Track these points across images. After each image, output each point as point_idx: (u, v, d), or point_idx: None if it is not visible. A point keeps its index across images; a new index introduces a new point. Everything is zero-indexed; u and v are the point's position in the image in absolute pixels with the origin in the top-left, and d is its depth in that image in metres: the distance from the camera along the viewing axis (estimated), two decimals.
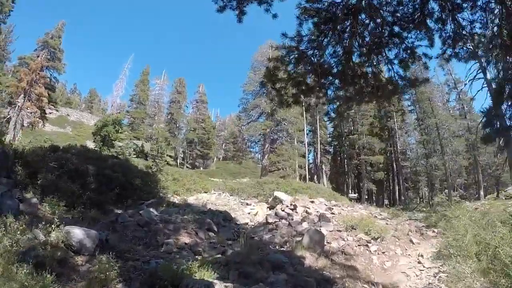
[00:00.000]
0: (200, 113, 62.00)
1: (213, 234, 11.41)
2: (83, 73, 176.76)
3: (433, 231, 12.71)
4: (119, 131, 34.79)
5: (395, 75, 8.23)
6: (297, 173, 43.79)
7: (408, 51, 7.86)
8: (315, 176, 50.56)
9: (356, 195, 45.71)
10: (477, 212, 13.28)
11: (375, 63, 8.24)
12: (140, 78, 57.94)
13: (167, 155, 58.53)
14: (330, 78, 8.55)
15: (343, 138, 47.60)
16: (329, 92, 9.27)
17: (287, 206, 15.37)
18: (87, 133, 50.74)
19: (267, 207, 18.20)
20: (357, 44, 7.98)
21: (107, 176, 14.31)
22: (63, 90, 75.38)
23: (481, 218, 10.64)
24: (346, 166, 47.00)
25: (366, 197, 50.11)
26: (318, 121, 50.29)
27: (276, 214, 14.30)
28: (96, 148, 27.98)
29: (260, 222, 14.24)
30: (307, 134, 51.76)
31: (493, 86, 18.38)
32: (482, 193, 37.80)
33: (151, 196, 15.76)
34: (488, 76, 20.63)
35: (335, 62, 8.25)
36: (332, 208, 15.61)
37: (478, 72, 21.94)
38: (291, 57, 7.87)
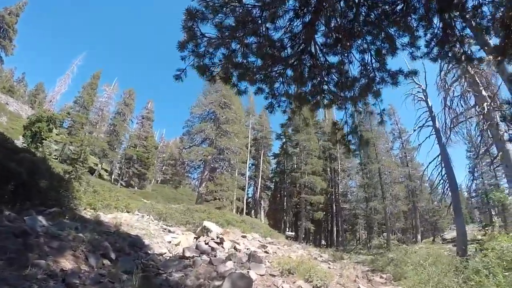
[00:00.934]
0: (144, 130, 58.11)
1: (108, 262, 8.20)
2: (34, 65, 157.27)
3: (381, 277, 11.18)
4: (53, 130, 30.59)
5: (371, 65, 6.11)
6: (234, 205, 41.38)
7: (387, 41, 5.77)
8: (253, 211, 48.47)
9: (293, 233, 43.91)
10: (421, 255, 12.14)
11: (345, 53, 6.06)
12: (89, 81, 53.09)
13: (102, 168, 54.36)
14: (280, 65, 6.15)
15: (285, 175, 46.15)
16: (277, 85, 6.73)
17: (213, 239, 12.59)
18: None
19: (194, 238, 15.24)
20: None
21: (7, 169, 10.93)
22: (9, 76, 68.34)
23: (426, 259, 10.23)
24: (285, 203, 45.30)
25: (304, 236, 48.62)
26: (262, 155, 48.80)
27: (197, 247, 11.26)
28: (24, 145, 24.11)
29: (176, 255, 11.02)
30: (249, 167, 49.92)
31: (442, 130, 19.44)
32: (419, 237, 38.81)
33: (57, 204, 12.36)
34: (437, 124, 20.37)
35: (290, 42, 5.82)
36: (267, 246, 13.25)
37: (428, 120, 21.78)
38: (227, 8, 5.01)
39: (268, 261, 10.36)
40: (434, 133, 20.65)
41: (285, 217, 45.63)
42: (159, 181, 65.81)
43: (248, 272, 8.49)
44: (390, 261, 12.11)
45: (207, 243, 11.85)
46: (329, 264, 12.45)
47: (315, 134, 47.61)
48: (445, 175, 19.46)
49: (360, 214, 44.35)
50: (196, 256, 10.15)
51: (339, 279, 9.89)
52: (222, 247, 11.82)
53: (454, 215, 18.82)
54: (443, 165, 19.92)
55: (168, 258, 10.59)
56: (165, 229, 15.74)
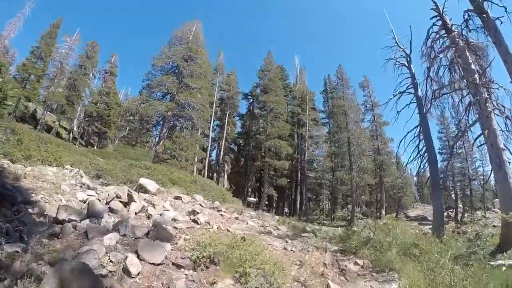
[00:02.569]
0: (107, 85, 52.63)
1: None
2: None
3: (356, 263, 7.46)
4: None
5: None
6: (194, 167, 37.72)
7: None
8: (215, 174, 44.92)
9: (255, 199, 40.91)
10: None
11: None
12: (48, 29, 46.57)
13: (61, 126, 49.20)
14: None
15: (250, 138, 42.71)
16: None
17: (118, 198, 8.41)
18: None
19: (116, 197, 11.42)
20: None
21: None
22: None
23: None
24: (248, 167, 41.92)
25: (267, 203, 45.71)
26: (227, 116, 44.93)
27: (90, 207, 6.84)
28: None
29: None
30: (213, 128, 46.05)
31: (422, 102, 17.09)
32: (383, 212, 37.45)
33: None
34: (419, 92, 17.79)
35: None
36: (198, 213, 9.10)
37: (409, 87, 18.72)
38: None
39: (185, 238, 6.33)
40: (415, 101, 18.01)
41: (248, 182, 42.35)
42: (123, 142, 60.81)
43: (126, 258, 4.41)
44: (366, 241, 8.69)
45: (108, 203, 7.89)
46: (287, 242, 8.64)
47: (285, 97, 44.07)
48: (424, 147, 16.69)
49: (325, 184, 41.84)
50: (74, 220, 6.10)
51: (298, 272, 6.11)
52: (128, 210, 7.86)
53: (432, 190, 16.69)
54: (422, 136, 17.19)
55: (39, 221, 6.52)
56: (84, 184, 11.70)
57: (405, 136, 18.29)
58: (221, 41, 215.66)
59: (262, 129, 38.08)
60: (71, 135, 49.22)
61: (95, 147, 49.49)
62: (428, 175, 16.83)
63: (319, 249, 8.29)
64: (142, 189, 11.95)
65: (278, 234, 10.03)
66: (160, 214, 7.83)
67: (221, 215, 10.67)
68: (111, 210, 7.36)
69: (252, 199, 40.15)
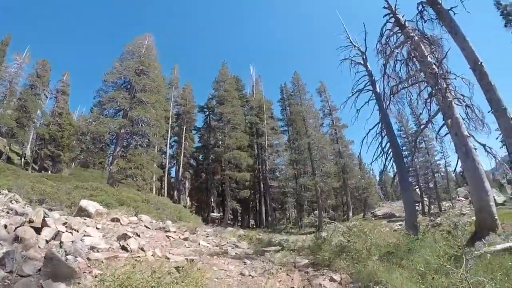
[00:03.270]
0: (59, 106, 49.46)
1: None
2: None
3: (332, 279, 5.96)
4: None
5: None
6: (153, 186, 35.94)
7: None
8: (175, 192, 43.12)
9: (219, 214, 39.50)
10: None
11: None
12: None
13: (11, 150, 45.87)
14: None
15: (208, 151, 41.28)
16: None
17: (31, 222, 6.70)
18: None
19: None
20: None
21: None
22: None
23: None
24: (209, 182, 40.44)
25: (232, 216, 44.31)
26: (184, 131, 43.32)
27: None
28: None
29: None
30: (171, 145, 44.33)
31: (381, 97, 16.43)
32: (350, 214, 37.79)
33: None
34: (377, 89, 17.07)
35: None
36: (129, 237, 7.15)
37: (367, 84, 18.13)
38: None
39: (96, 273, 4.60)
40: (374, 97, 17.22)
41: (209, 197, 40.84)
42: (79, 165, 57.18)
43: None
44: (340, 249, 7.51)
45: (16, 229, 6.43)
46: (245, 263, 7.29)
47: (242, 107, 42.96)
48: (387, 144, 16.06)
49: (289, 192, 40.65)
50: None
51: None
52: (37, 238, 6.44)
53: (400, 187, 15.96)
54: (384, 133, 16.45)
55: None
56: (11, 210, 10.13)
57: (367, 134, 17.44)
58: (175, 54, 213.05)
59: (220, 142, 36.69)
60: (22, 160, 46.02)
61: (49, 172, 46.35)
62: (393, 172, 16.22)
63: (285, 267, 6.90)
64: (83, 212, 10.46)
65: (236, 253, 8.63)
66: (72, 242, 6.35)
67: (168, 236, 9.14)
68: (17, 239, 5.85)
69: (215, 214, 38.63)
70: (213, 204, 44.04)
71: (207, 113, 44.81)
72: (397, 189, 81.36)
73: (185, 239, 9.35)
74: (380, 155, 16.46)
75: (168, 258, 6.65)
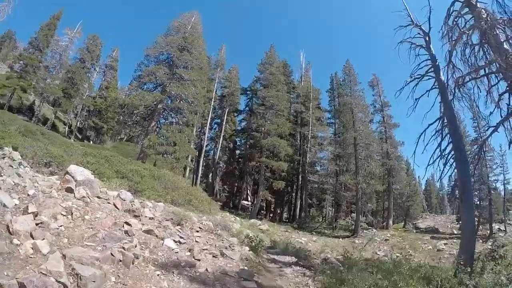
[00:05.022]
0: (106, 79, 49.61)
1: None
2: None
3: None
4: None
5: None
6: (187, 166, 33.71)
7: None
8: (211, 174, 40.68)
9: (249, 203, 36.67)
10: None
11: None
12: (48, 21, 43.09)
13: (57, 118, 45.95)
14: None
15: (247, 135, 38.31)
16: None
17: None
18: None
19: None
20: None
21: None
22: None
23: None
24: (243, 167, 37.43)
25: (264, 208, 41.30)
26: (226, 113, 40.57)
27: None
28: None
29: None
30: (211, 127, 41.92)
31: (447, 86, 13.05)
32: (390, 222, 34.01)
33: None
34: (442, 76, 13.49)
35: None
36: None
37: (429, 71, 14.24)
38: None
39: None
40: (437, 87, 13.65)
41: (243, 184, 37.94)
42: (125, 139, 56.89)
43: None
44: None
45: None
46: None
47: (288, 94, 39.65)
48: (448, 146, 12.25)
49: (328, 189, 37.14)
50: None
51: None
52: None
53: (461, 202, 11.85)
54: (446, 131, 12.76)
55: None
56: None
57: (425, 130, 13.72)
58: (223, 36, 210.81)
59: (260, 127, 33.58)
60: (67, 128, 45.89)
61: (91, 142, 45.88)
62: (452, 181, 12.39)
63: None
64: (69, 180, 7.96)
65: (208, 270, 5.65)
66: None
67: (127, 223, 6.26)
68: None
69: (246, 202, 35.95)
70: (248, 191, 41.23)
71: (250, 96, 41.96)
72: (443, 203, 74.65)
73: (148, 231, 6.52)
74: (438, 158, 12.72)
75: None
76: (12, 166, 7.45)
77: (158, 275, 4.80)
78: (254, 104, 39.51)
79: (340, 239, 26.18)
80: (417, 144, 13.92)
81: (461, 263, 7.78)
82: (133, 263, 4.76)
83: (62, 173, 9.53)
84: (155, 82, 30.85)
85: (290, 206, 41.13)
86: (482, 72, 11.79)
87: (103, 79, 50.56)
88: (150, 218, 7.59)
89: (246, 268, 6.40)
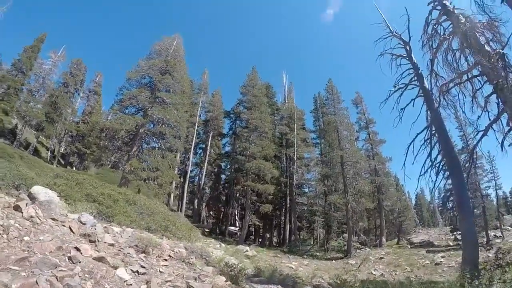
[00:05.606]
0: (90, 104, 48.63)
1: None
2: None
3: None
4: None
5: None
6: (171, 192, 32.57)
7: None
8: (196, 201, 39.42)
9: (237, 229, 35.41)
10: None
11: None
12: (32, 44, 42.64)
13: (39, 143, 44.68)
14: None
15: (231, 159, 37.35)
16: None
17: None
18: None
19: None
20: None
21: None
22: None
23: None
24: (228, 192, 36.32)
25: (253, 233, 40.00)
26: (210, 137, 39.73)
27: None
28: None
29: None
30: (195, 152, 41.00)
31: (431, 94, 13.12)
32: (384, 239, 33.04)
33: None
34: (426, 84, 13.60)
35: None
36: None
37: (413, 80, 14.38)
38: None
39: None
40: (422, 94, 13.55)
41: (229, 209, 36.68)
42: (110, 166, 55.59)
43: None
44: None
45: None
46: None
47: (271, 116, 39.06)
48: (439, 154, 11.80)
49: (317, 210, 36.11)
50: None
51: None
52: None
53: (459, 212, 11.81)
54: (435, 139, 12.30)
55: None
56: None
57: (413, 140, 13.31)
58: (205, 60, 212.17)
59: (244, 150, 32.68)
60: (49, 154, 44.52)
61: (74, 168, 44.47)
62: (443, 191, 11.75)
63: None
64: (32, 200, 7.99)
65: None
66: None
67: (70, 258, 5.29)
68: None
69: (233, 228, 34.72)
70: (236, 217, 39.97)
71: (234, 118, 41.32)
72: (435, 216, 73.97)
73: (100, 258, 5.55)
74: (429, 168, 12.13)
75: None
76: None
77: None
78: (237, 127, 38.91)
79: (333, 261, 25.11)
80: (406, 155, 13.31)
81: (467, 276, 7.39)
82: None
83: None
84: (137, 106, 29.91)
85: (280, 230, 39.85)
86: (465, 77, 11.81)
87: (87, 104, 49.67)
88: (110, 245, 6.61)
89: None
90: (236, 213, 38.93)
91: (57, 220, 6.62)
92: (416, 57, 14.45)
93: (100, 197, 11.75)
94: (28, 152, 36.92)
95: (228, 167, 41.64)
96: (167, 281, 5.74)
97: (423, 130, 13.02)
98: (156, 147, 30.23)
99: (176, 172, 33.12)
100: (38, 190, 8.44)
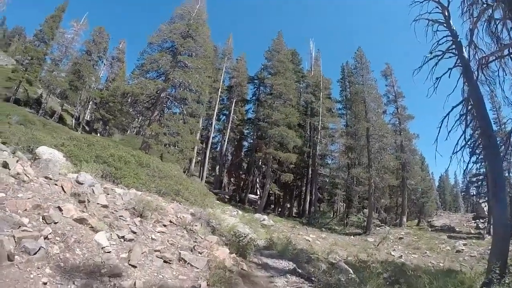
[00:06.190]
0: (113, 71, 48.56)
1: None
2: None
3: None
4: None
5: None
6: (192, 157, 32.09)
7: None
8: (218, 167, 38.83)
9: (257, 197, 34.77)
10: None
11: None
12: (52, 13, 41.93)
13: (64, 111, 44.89)
14: None
15: (254, 125, 36.36)
16: None
17: None
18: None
19: None
20: None
21: None
22: None
23: None
24: (250, 159, 35.53)
25: (274, 202, 39.38)
26: (233, 104, 38.71)
27: None
28: None
29: None
30: (219, 118, 40.23)
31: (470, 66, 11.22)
32: (404, 219, 31.33)
33: None
34: (465, 53, 11.54)
35: None
36: None
37: (450, 48, 12.12)
38: None
39: None
40: (460, 65, 11.56)
41: (250, 177, 35.99)
42: (134, 132, 55.81)
43: None
44: None
45: None
46: None
47: (297, 83, 37.65)
48: (478, 130, 10.51)
49: (340, 183, 35.05)
50: None
51: None
52: None
53: (492, 197, 9.90)
54: (471, 115, 10.84)
55: None
56: None
57: (448, 113, 11.77)
58: (229, 25, 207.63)
59: (268, 117, 31.51)
60: (73, 121, 44.81)
61: (98, 135, 44.66)
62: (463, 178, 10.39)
63: None
64: (36, 159, 7.90)
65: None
66: None
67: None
68: None
69: (253, 196, 34.10)
70: (257, 185, 39.29)
71: (257, 84, 40.15)
72: (457, 200, 71.42)
73: (81, 220, 4.89)
74: (463, 147, 10.67)
75: None
76: None
77: (44, 283, 3.08)
78: (261, 93, 37.94)
79: (352, 237, 24.31)
80: (439, 129, 11.86)
81: (497, 271, 6.62)
82: (10, 260, 3.14)
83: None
84: (158, 70, 29.27)
85: (300, 201, 39.11)
86: (506, 51, 10.27)
87: (110, 71, 49.64)
88: (103, 206, 5.86)
89: (213, 278, 4.46)
90: (258, 181, 38.24)
91: (50, 179, 6.02)
92: (455, 26, 12.83)
93: (110, 158, 11.21)
94: (53, 119, 37.48)
95: (251, 134, 40.98)
96: (155, 251, 5.06)
97: (459, 104, 11.56)
98: (177, 112, 29.70)
99: (198, 138, 32.58)
100: (44, 150, 8.33)
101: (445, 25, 13.04)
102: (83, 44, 46.11)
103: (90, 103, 47.64)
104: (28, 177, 5.44)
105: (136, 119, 32.67)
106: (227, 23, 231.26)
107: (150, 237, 5.53)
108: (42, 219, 4.19)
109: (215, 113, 36.87)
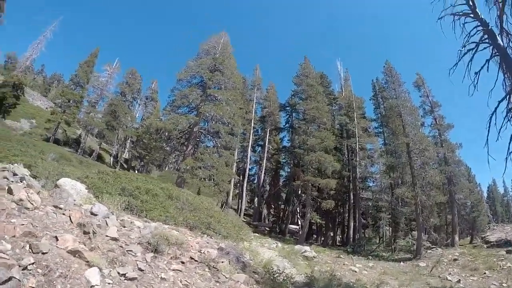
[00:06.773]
0: (148, 111, 50.31)
1: None
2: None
3: None
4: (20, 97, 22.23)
5: None
6: (229, 190, 31.42)
7: None
8: (256, 199, 37.89)
9: (297, 227, 33.27)
10: None
11: None
12: (86, 58, 44.56)
13: (102, 149, 46.31)
14: None
15: (289, 153, 35.33)
16: None
17: None
18: None
19: None
20: None
21: None
22: None
23: None
24: (288, 189, 34.32)
25: (315, 231, 37.54)
26: (268, 133, 38.07)
27: None
28: None
29: None
30: (254, 149, 39.63)
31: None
32: (456, 238, 28.60)
33: None
34: (499, 41, 9.77)
35: None
36: None
37: (483, 39, 10.77)
38: None
39: None
40: (498, 54, 9.71)
41: (289, 207, 34.67)
42: (172, 167, 56.60)
43: None
44: None
45: None
46: None
47: (329, 106, 36.64)
48: None
49: (384, 206, 32.96)
50: None
51: None
52: None
53: None
54: None
55: None
56: None
57: (495, 110, 10.12)
58: (254, 55, 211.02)
59: (303, 143, 30.50)
60: (111, 159, 45.98)
61: (136, 172, 45.38)
62: None
63: None
64: (62, 191, 7.55)
65: None
66: None
67: None
68: None
69: (294, 226, 32.75)
70: (298, 215, 37.86)
71: (290, 111, 39.81)
72: (510, 210, 65.87)
73: (75, 252, 4.40)
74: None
75: None
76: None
77: None
78: (294, 120, 37.42)
79: (401, 263, 22.26)
80: (488, 129, 10.18)
81: None
82: None
83: None
84: (189, 105, 29.73)
85: (343, 228, 37.37)
86: None
87: (145, 110, 51.53)
88: (111, 238, 5.39)
89: None
90: (298, 210, 36.91)
91: (60, 208, 5.66)
92: (482, 15, 11.50)
93: (136, 191, 10.63)
94: (91, 158, 38.76)
95: (287, 162, 40.44)
96: None
97: (503, 99, 10.04)
98: (211, 146, 29.47)
99: (234, 170, 32.15)
100: (65, 182, 8.10)
101: (472, 15, 11.69)
102: (117, 86, 48.83)
103: (128, 141, 49.25)
104: (32, 204, 5.14)
105: (172, 155, 32.89)
106: (249, 54, 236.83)
107: (159, 276, 4.86)
108: (29, 248, 3.79)
109: (250, 144, 36.58)
